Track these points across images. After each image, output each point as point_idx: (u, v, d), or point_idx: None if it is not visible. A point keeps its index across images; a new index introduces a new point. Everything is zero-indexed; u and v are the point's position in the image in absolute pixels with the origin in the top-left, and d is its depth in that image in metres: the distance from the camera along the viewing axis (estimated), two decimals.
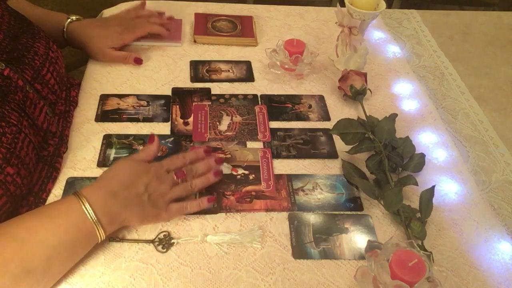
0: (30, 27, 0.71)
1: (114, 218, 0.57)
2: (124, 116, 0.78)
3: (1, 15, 0.67)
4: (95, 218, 0.55)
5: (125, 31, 0.88)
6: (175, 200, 0.63)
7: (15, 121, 0.59)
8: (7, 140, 0.57)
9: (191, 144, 0.75)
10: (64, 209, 0.55)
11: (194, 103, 0.82)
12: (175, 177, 0.63)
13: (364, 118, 0.78)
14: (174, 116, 0.79)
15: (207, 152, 0.69)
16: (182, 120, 0.79)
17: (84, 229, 0.55)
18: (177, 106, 0.81)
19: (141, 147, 0.72)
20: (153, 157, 0.65)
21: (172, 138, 0.75)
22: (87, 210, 0.55)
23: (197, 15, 1.03)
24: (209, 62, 0.92)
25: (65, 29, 0.85)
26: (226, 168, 0.71)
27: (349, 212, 0.67)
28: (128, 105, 0.80)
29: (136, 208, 0.59)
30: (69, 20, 0.86)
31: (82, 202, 0.55)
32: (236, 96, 0.85)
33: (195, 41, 0.97)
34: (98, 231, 0.56)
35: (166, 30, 0.93)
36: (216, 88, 0.86)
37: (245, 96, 0.85)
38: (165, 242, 0.61)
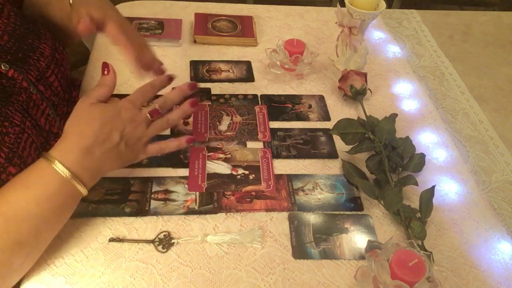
0: (36, 28, 0.71)
1: (94, 174, 0.57)
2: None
3: (8, 16, 0.67)
4: (76, 178, 0.53)
5: (114, 20, 0.73)
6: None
7: (18, 121, 0.59)
8: (10, 140, 0.57)
9: (191, 145, 0.74)
10: (40, 178, 0.53)
11: None
12: (149, 117, 0.60)
13: (364, 118, 0.78)
14: None
15: (170, 79, 0.65)
16: (182, 120, 0.79)
17: (66, 191, 0.54)
18: (177, 106, 0.81)
19: None
20: (112, 91, 0.60)
21: (172, 138, 0.75)
22: (64, 173, 0.53)
23: (197, 15, 1.03)
24: (209, 62, 0.92)
25: None
26: (226, 168, 0.71)
27: (349, 212, 0.67)
28: None
29: (114, 159, 0.58)
30: None
31: (56, 167, 0.52)
32: (236, 96, 0.85)
33: (195, 41, 0.97)
34: (81, 188, 0.54)
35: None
36: (216, 88, 0.86)
37: (245, 96, 0.85)
38: (165, 242, 0.61)
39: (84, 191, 0.55)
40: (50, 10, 0.77)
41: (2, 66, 0.61)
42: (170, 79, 0.66)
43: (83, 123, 0.56)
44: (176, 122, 0.63)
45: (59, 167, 0.53)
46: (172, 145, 0.62)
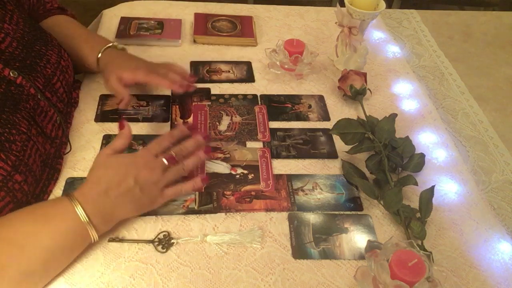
0: (43, 34, 0.71)
1: (107, 218, 0.58)
2: (123, 116, 0.78)
3: (16, 22, 0.67)
4: (88, 220, 0.55)
5: (143, 69, 0.76)
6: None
7: (25, 129, 0.60)
8: (17, 148, 0.57)
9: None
10: (59, 213, 0.55)
11: (194, 103, 0.82)
12: (165, 162, 0.62)
13: (364, 118, 0.78)
14: (173, 116, 0.79)
15: (193, 128, 0.68)
16: (182, 120, 0.79)
17: (79, 231, 0.55)
18: (177, 106, 0.81)
19: (140, 147, 0.72)
20: (128, 142, 0.63)
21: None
22: (80, 213, 0.55)
23: (197, 15, 1.03)
24: (209, 63, 0.92)
25: (101, 51, 0.79)
26: (225, 168, 0.71)
27: (349, 212, 0.67)
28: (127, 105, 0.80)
29: (129, 203, 0.59)
30: (109, 45, 0.80)
31: (75, 205, 0.55)
32: (235, 96, 0.85)
33: (195, 41, 0.97)
34: (91, 232, 0.56)
35: (179, 86, 0.78)
36: (216, 88, 0.86)
37: (244, 96, 0.85)
38: (164, 242, 0.61)
39: (94, 238, 0.57)
40: (76, 44, 0.80)
41: (11, 73, 0.61)
42: (190, 129, 0.68)
43: (101, 171, 0.59)
44: (191, 168, 0.65)
45: (79, 210, 0.55)
46: (187, 187, 0.63)
